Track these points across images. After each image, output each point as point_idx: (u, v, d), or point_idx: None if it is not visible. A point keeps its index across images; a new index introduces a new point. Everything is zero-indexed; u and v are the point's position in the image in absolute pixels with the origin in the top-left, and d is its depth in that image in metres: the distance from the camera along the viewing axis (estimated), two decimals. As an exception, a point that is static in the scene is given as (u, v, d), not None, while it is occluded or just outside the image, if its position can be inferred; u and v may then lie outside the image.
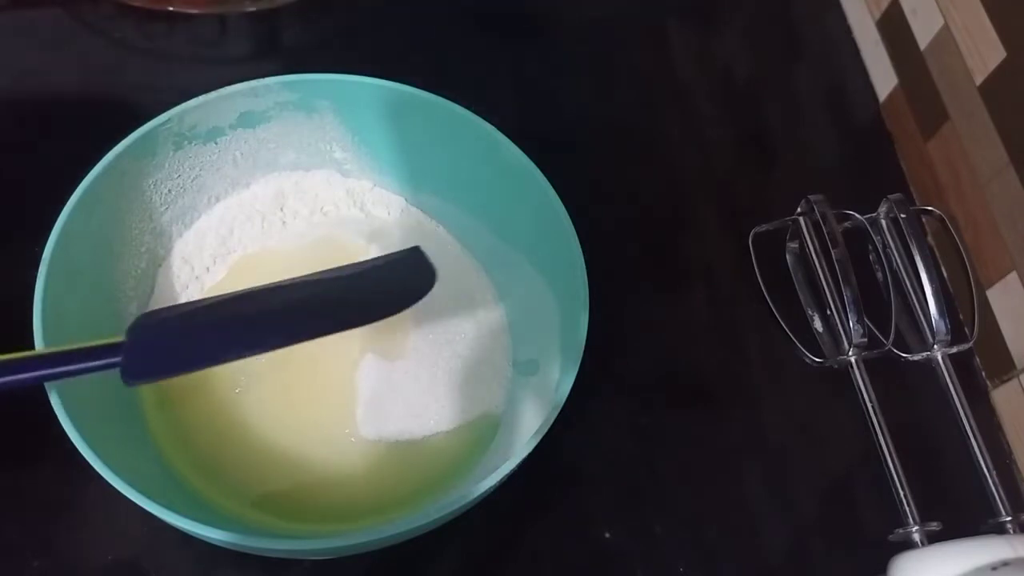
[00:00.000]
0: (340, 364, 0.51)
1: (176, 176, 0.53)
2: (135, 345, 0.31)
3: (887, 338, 0.56)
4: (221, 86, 0.51)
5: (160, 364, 0.32)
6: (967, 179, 0.60)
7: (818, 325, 0.59)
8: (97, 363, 0.31)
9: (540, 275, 0.53)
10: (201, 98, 0.51)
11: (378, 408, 0.50)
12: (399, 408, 0.50)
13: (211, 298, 0.37)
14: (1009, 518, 0.51)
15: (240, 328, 0.33)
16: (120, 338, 0.32)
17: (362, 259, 0.54)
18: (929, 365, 0.56)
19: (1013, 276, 0.55)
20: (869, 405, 0.54)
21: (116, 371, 0.39)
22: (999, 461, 0.54)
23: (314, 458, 0.49)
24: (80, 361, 0.31)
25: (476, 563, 0.50)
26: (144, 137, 0.49)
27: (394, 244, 0.56)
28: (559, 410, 0.44)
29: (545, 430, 0.43)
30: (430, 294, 0.54)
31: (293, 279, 0.37)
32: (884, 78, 0.69)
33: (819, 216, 0.57)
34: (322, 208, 0.57)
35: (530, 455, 0.43)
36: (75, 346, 0.32)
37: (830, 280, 0.57)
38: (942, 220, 0.60)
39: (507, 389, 0.52)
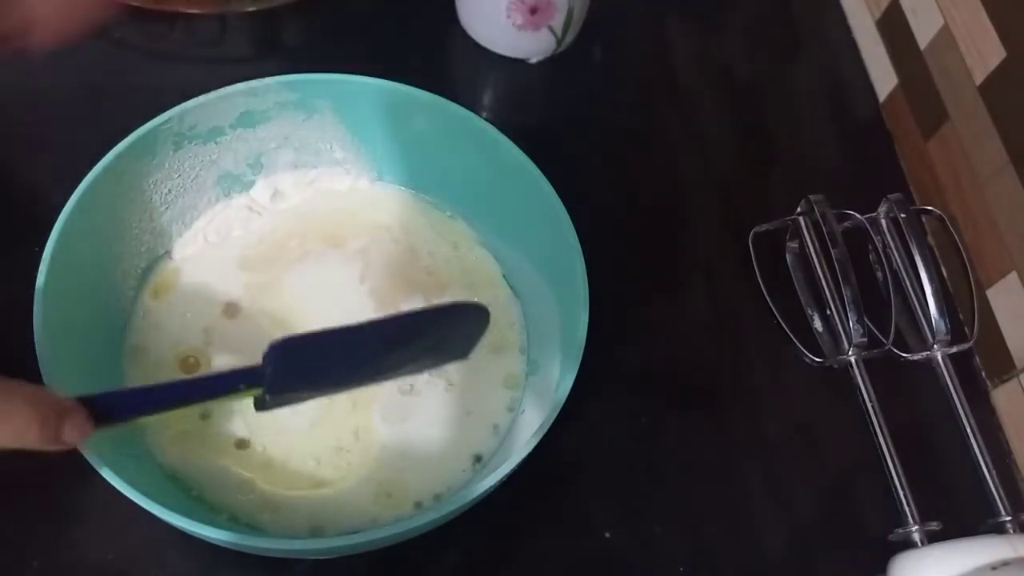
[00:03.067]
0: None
1: (176, 176, 0.53)
2: (273, 371, 0.35)
3: (887, 338, 0.56)
4: (221, 86, 0.51)
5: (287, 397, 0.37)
6: (967, 179, 0.60)
7: (818, 325, 0.59)
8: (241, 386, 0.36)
9: (540, 275, 0.52)
10: (201, 98, 0.51)
11: (384, 407, 0.50)
12: (405, 405, 0.51)
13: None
14: (1009, 518, 0.51)
15: (348, 368, 0.39)
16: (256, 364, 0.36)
17: (361, 258, 0.55)
18: (929, 365, 0.56)
19: (1013, 276, 0.55)
20: (869, 405, 0.54)
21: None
22: (999, 461, 0.54)
23: (315, 457, 0.49)
24: (227, 382, 0.36)
25: (476, 563, 0.50)
26: (144, 137, 0.49)
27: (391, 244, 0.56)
28: (559, 410, 0.44)
29: (545, 430, 0.43)
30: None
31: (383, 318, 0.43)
32: (884, 78, 0.69)
33: (819, 216, 0.57)
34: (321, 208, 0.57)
35: (530, 455, 0.43)
36: (222, 372, 0.36)
37: (830, 280, 0.57)
38: (942, 220, 0.60)
39: (523, 387, 0.52)
